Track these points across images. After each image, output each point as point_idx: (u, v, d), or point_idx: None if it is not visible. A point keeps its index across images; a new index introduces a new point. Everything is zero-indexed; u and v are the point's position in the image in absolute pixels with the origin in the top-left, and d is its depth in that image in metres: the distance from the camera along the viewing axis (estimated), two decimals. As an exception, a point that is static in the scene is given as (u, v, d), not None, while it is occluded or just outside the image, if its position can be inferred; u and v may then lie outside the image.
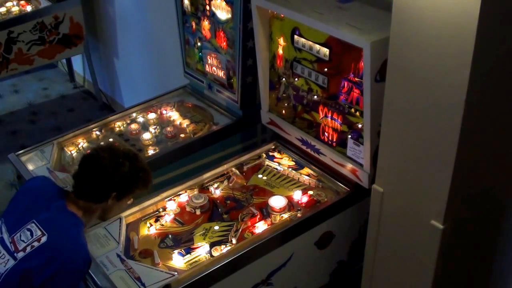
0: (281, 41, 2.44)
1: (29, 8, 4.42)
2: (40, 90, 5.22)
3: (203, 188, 2.55)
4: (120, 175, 1.94)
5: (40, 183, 2.04)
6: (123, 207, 2.10)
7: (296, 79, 2.46)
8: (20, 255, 1.80)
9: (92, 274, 2.06)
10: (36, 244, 1.80)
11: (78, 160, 2.31)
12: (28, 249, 1.80)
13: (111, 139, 2.99)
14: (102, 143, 2.96)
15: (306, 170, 2.58)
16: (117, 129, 3.09)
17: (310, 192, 2.45)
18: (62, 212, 1.90)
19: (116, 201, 1.99)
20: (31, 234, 1.83)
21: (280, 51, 2.47)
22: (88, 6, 4.56)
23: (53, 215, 1.89)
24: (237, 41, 2.68)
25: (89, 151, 2.14)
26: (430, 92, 1.76)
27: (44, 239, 1.81)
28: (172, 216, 2.40)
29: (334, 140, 2.38)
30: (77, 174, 1.97)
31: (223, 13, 2.75)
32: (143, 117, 3.15)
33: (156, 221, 2.38)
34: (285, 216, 2.34)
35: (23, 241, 1.83)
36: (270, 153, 2.73)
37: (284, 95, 2.58)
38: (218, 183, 2.57)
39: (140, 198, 2.44)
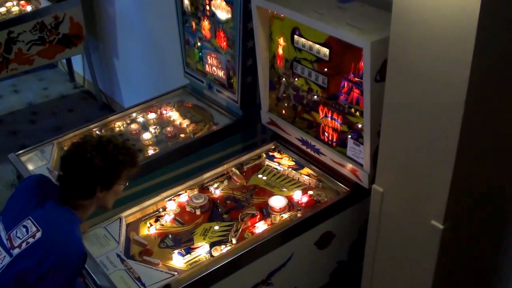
0: (281, 41, 2.44)
1: (29, 8, 4.42)
2: (40, 90, 5.22)
3: (203, 188, 2.55)
4: (94, 169, 1.89)
5: (37, 181, 2.04)
6: (120, 191, 2.07)
7: (296, 79, 2.46)
8: (16, 251, 1.81)
9: (92, 274, 2.06)
10: (31, 240, 1.81)
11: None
12: (24, 245, 1.80)
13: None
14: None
15: (306, 170, 2.58)
16: (117, 129, 3.09)
17: (310, 192, 2.45)
18: (56, 209, 1.91)
19: (106, 192, 1.96)
20: (27, 231, 1.83)
21: (280, 51, 2.47)
22: (88, 6, 4.56)
23: (48, 211, 1.89)
24: (237, 41, 2.68)
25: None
26: (430, 92, 1.76)
27: (38, 235, 1.81)
28: (172, 216, 2.40)
29: (334, 140, 2.38)
30: (59, 177, 1.97)
31: (223, 13, 2.75)
32: (143, 117, 3.15)
33: (156, 221, 2.38)
34: (285, 216, 2.33)
35: (18, 237, 1.83)
36: (270, 153, 2.73)
37: (284, 95, 2.58)
38: (218, 183, 2.57)
39: (139, 198, 2.45)
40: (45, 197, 1.94)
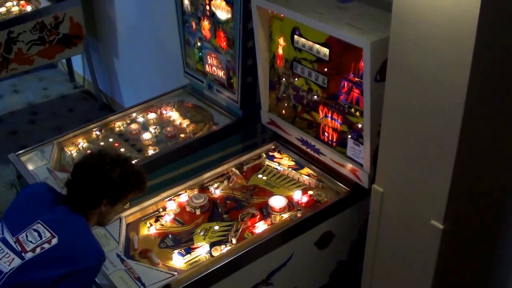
0: (281, 41, 2.44)
1: (29, 8, 4.42)
2: (40, 90, 5.22)
3: (203, 188, 2.55)
4: (109, 182, 1.91)
5: (42, 188, 2.04)
6: (119, 212, 2.09)
7: (296, 79, 2.46)
8: (29, 255, 1.79)
9: (92, 274, 2.06)
10: (46, 246, 1.80)
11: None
12: (38, 250, 1.79)
13: (110, 139, 2.99)
14: (101, 143, 2.97)
15: (306, 170, 2.58)
16: (117, 129, 3.09)
17: (310, 192, 2.45)
18: (68, 214, 1.90)
19: (110, 207, 1.97)
20: (39, 235, 1.82)
21: (280, 51, 2.47)
22: (88, 6, 4.56)
23: (60, 217, 1.88)
24: (237, 41, 2.68)
25: (78, 159, 2.12)
26: (430, 92, 1.76)
27: (54, 241, 1.80)
28: (172, 216, 2.40)
29: (334, 140, 2.38)
30: (68, 182, 1.97)
31: (223, 13, 2.75)
32: (143, 117, 3.15)
33: (156, 221, 2.38)
34: (285, 216, 2.34)
35: (30, 241, 1.82)
36: (270, 153, 2.73)
37: (284, 95, 2.58)
38: (218, 183, 2.57)
39: (140, 198, 2.44)
40: (52, 203, 1.93)
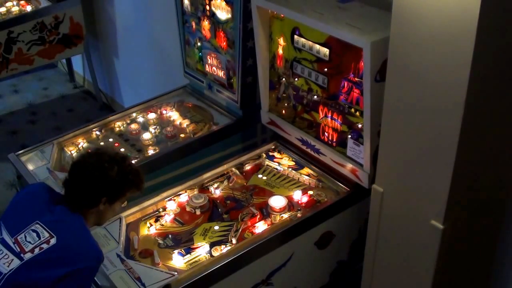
0: (281, 41, 2.44)
1: (29, 8, 4.42)
2: (40, 90, 5.22)
3: (203, 188, 2.55)
4: (107, 180, 1.91)
5: (40, 188, 2.04)
6: (117, 211, 2.09)
7: (296, 79, 2.46)
8: (28, 256, 1.80)
9: (92, 274, 2.06)
10: (45, 246, 1.80)
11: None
12: (37, 250, 1.79)
13: (110, 139, 2.99)
14: (101, 143, 2.97)
15: (306, 170, 2.58)
16: (117, 129, 3.09)
17: (310, 192, 2.45)
18: (67, 215, 1.90)
19: (108, 206, 1.97)
20: (38, 236, 1.82)
21: (280, 51, 2.47)
22: (88, 6, 4.56)
23: (59, 217, 1.88)
24: (237, 41, 2.68)
25: (76, 158, 2.13)
26: (430, 92, 1.76)
27: (53, 241, 1.80)
28: (172, 216, 2.40)
29: (334, 140, 2.38)
30: (66, 181, 1.97)
31: (223, 13, 2.75)
32: (143, 117, 3.15)
33: (156, 221, 2.38)
34: (285, 216, 2.34)
35: (29, 242, 1.82)
36: (270, 153, 2.73)
37: (284, 95, 2.58)
38: (218, 183, 2.57)
39: (139, 198, 2.45)
40: (51, 203, 1.93)
